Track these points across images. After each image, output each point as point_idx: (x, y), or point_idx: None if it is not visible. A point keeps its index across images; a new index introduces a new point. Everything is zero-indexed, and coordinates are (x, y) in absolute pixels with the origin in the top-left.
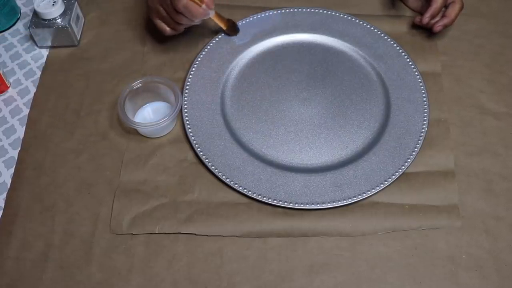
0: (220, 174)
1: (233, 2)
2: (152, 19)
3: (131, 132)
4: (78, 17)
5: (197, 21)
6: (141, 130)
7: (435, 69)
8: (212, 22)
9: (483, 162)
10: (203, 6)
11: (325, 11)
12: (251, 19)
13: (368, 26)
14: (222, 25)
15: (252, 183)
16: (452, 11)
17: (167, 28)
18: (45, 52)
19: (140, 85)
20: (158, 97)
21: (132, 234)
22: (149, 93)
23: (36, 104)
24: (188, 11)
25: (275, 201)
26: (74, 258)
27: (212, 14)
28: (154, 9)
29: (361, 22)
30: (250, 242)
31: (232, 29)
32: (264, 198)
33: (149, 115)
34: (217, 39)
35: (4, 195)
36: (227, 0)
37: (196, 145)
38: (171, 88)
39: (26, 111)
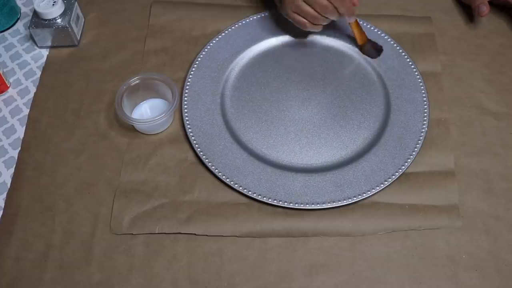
0: (220, 174)
1: (234, 2)
2: (287, 13)
3: (131, 132)
4: (78, 17)
5: (337, 17)
6: (138, 126)
7: (435, 69)
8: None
9: (483, 162)
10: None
11: None
12: (251, 19)
13: (368, 26)
14: (357, 36)
15: (252, 183)
16: None
17: (307, 22)
18: (45, 52)
19: (137, 81)
20: (156, 94)
21: (132, 234)
22: (147, 90)
23: (36, 104)
24: (342, 2)
25: (275, 201)
26: (74, 258)
27: (353, 20)
28: (294, 4)
29: (361, 22)
30: (250, 242)
31: (369, 48)
32: (264, 198)
33: (147, 111)
34: (217, 39)
35: (4, 195)
36: (228, 0)
37: (196, 145)
38: (168, 85)
39: (26, 111)
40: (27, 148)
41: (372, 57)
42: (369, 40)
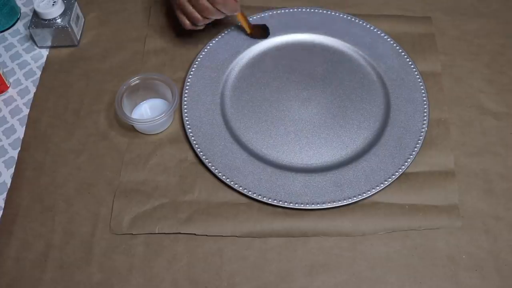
0: (220, 174)
1: None
2: (174, 11)
3: (131, 132)
4: (78, 17)
5: (222, 16)
6: (138, 126)
7: (435, 69)
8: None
9: (483, 162)
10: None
11: (325, 11)
12: (251, 19)
13: (368, 26)
14: (245, 26)
15: (252, 183)
16: None
17: (187, 22)
18: (45, 52)
19: (137, 81)
20: (156, 94)
21: (132, 234)
22: (147, 91)
23: (36, 104)
24: (224, 4)
25: (275, 201)
26: (74, 258)
27: (238, 11)
28: (178, 3)
29: (360, 22)
30: (250, 242)
31: (258, 32)
32: (264, 198)
33: (146, 111)
34: (216, 39)
35: (4, 195)
36: None
37: (196, 145)
38: (168, 85)
39: (26, 111)
40: (27, 148)
41: (264, 38)
42: (254, 26)
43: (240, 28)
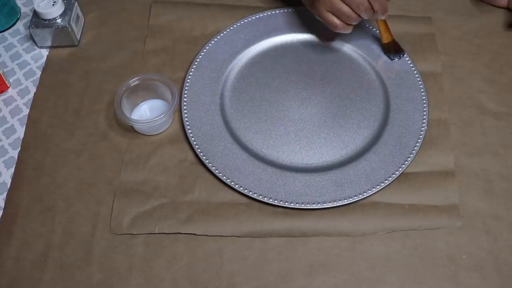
0: (220, 174)
1: (233, 2)
2: (319, 12)
3: (131, 132)
4: (78, 17)
5: (368, 17)
6: (138, 127)
7: (435, 69)
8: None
9: (483, 162)
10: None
11: None
12: (251, 19)
13: (368, 25)
14: (383, 35)
15: (252, 183)
16: None
17: (339, 22)
18: (45, 52)
19: (137, 82)
20: (155, 95)
21: (132, 234)
22: (146, 91)
23: (36, 104)
24: (381, 4)
25: (275, 201)
26: (74, 258)
27: (384, 17)
28: (329, 2)
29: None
30: (250, 242)
31: (392, 48)
32: (265, 198)
33: (146, 112)
34: (216, 39)
35: (4, 195)
36: (229, 0)
37: (196, 146)
38: (167, 86)
39: (26, 111)
40: (27, 148)
41: (390, 59)
42: (393, 40)
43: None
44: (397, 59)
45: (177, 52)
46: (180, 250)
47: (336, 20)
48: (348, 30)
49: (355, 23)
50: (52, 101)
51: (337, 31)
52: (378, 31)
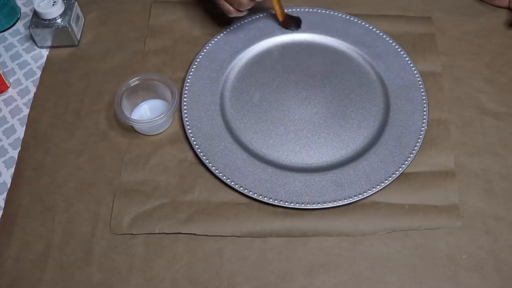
0: (220, 174)
1: None
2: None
3: (131, 132)
4: (78, 17)
5: None
6: (138, 127)
7: (435, 69)
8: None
9: (483, 162)
10: None
11: (324, 11)
12: (251, 19)
13: (368, 25)
14: (278, 13)
15: (252, 183)
16: None
17: (232, 8)
18: (45, 52)
19: (137, 82)
20: (155, 95)
21: (132, 234)
22: (146, 91)
23: (36, 104)
24: None
25: (275, 201)
26: (74, 258)
27: None
28: None
29: (360, 22)
30: (250, 242)
31: (291, 21)
32: (265, 198)
33: (146, 112)
34: (215, 39)
35: (4, 195)
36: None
37: (196, 146)
38: (167, 86)
39: (26, 111)
40: (27, 148)
41: (293, 30)
42: (287, 15)
43: (270, 17)
44: (298, 28)
45: (177, 52)
46: (180, 250)
47: (229, 7)
48: (241, 14)
49: (248, 7)
50: (52, 101)
51: (230, 16)
52: (274, 12)
